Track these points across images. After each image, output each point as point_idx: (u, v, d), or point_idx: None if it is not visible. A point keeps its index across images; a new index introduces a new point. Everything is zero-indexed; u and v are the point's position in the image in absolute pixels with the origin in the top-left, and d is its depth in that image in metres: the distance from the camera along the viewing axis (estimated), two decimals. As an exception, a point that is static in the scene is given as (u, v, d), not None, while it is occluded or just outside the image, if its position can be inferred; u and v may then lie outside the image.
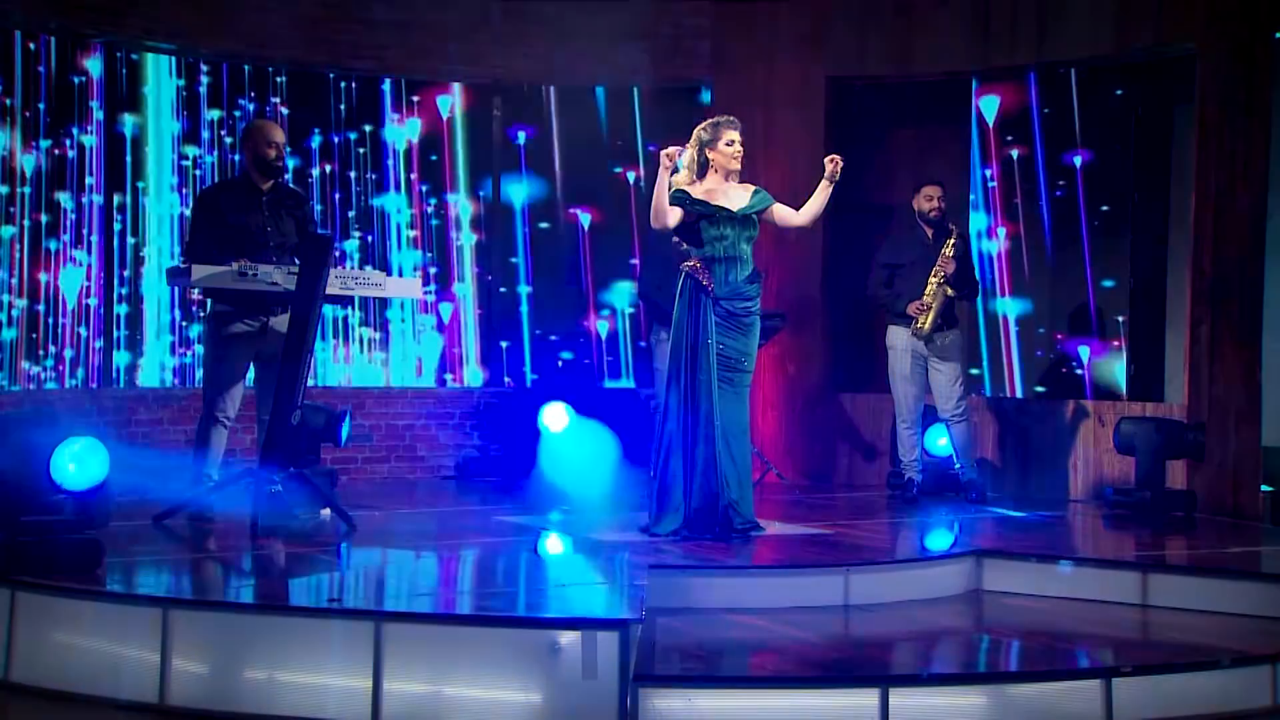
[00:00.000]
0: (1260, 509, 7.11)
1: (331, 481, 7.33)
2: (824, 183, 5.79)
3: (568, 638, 3.85)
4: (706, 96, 8.78)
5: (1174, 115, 7.94)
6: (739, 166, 5.82)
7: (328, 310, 7.70)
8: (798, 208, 5.89)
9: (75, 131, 7.68)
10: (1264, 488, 7.18)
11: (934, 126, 8.78)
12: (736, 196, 5.80)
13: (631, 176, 8.98)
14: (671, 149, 5.63)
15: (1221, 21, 7.32)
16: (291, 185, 6.65)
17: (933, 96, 8.68)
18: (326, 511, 6.07)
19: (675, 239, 5.92)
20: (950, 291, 7.29)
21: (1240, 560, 5.75)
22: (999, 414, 8.08)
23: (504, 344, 8.95)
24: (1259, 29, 7.23)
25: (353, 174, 8.67)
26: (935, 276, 7.26)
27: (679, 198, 5.70)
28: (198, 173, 8.19)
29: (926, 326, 7.28)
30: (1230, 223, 7.26)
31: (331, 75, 8.59)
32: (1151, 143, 7.96)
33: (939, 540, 6.22)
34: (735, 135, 5.81)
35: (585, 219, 9.04)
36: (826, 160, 5.75)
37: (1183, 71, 7.61)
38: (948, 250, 7.28)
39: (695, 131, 5.86)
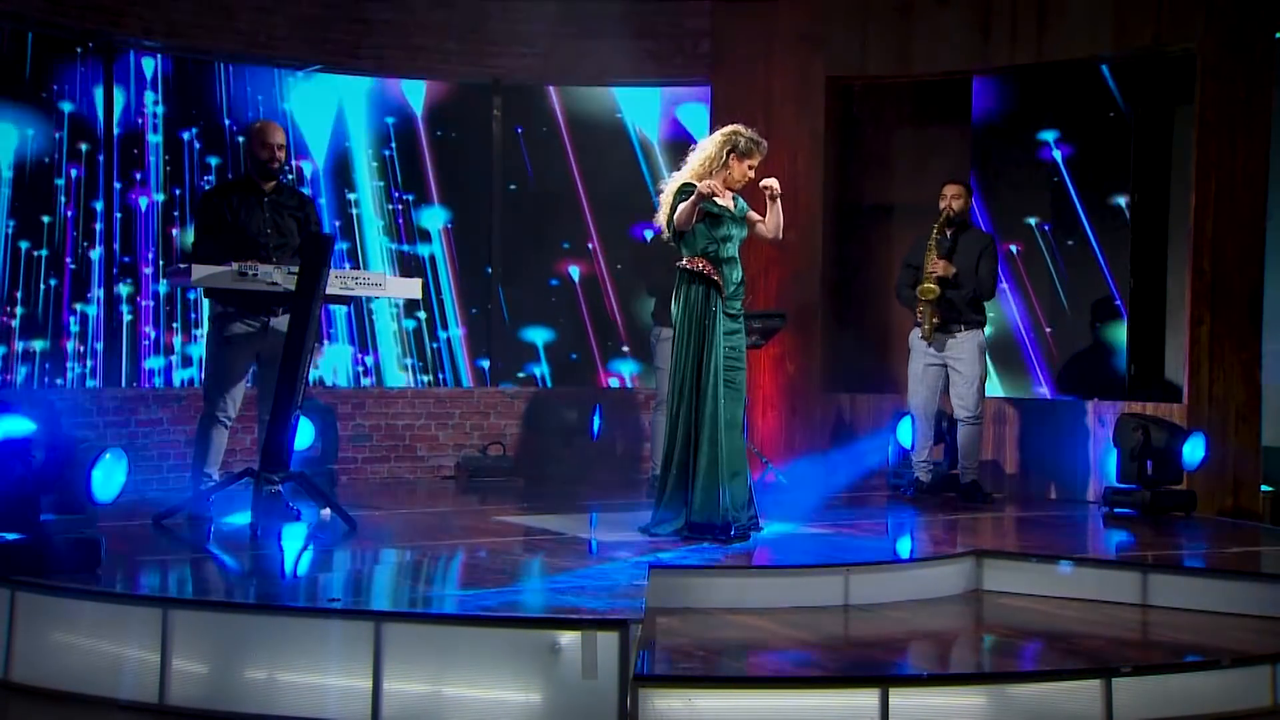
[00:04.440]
0: (1260, 509, 7.12)
1: (331, 481, 7.34)
2: (769, 203, 5.77)
3: (568, 638, 3.84)
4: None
5: (1174, 115, 7.94)
6: (740, 187, 5.81)
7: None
8: (791, 209, 5.89)
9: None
10: (1264, 488, 7.19)
11: (934, 126, 8.79)
12: (730, 198, 5.80)
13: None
14: (714, 185, 5.59)
15: (1221, 21, 7.33)
16: (295, 186, 6.64)
17: (933, 96, 8.69)
18: (326, 511, 6.07)
19: (671, 240, 5.90)
20: (935, 290, 7.25)
21: (1240, 560, 5.75)
22: (999, 414, 8.08)
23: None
24: (1259, 29, 7.24)
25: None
26: (928, 278, 7.27)
27: (688, 190, 5.67)
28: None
29: (927, 327, 7.28)
30: (1230, 223, 7.27)
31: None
32: (1151, 143, 7.96)
33: (939, 540, 6.21)
34: (758, 161, 5.79)
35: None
36: (762, 187, 5.70)
37: (1183, 71, 7.62)
38: (932, 249, 7.28)
39: (731, 133, 5.75)
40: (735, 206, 5.81)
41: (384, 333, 8.75)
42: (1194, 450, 6.91)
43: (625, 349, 9.05)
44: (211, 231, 6.10)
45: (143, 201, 7.97)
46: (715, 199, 5.68)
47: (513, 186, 8.99)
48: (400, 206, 8.82)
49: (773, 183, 5.71)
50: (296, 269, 5.73)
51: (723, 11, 8.80)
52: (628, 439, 8.91)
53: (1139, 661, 4.20)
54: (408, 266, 8.78)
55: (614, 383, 9.09)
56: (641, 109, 9.11)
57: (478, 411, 8.84)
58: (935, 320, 7.29)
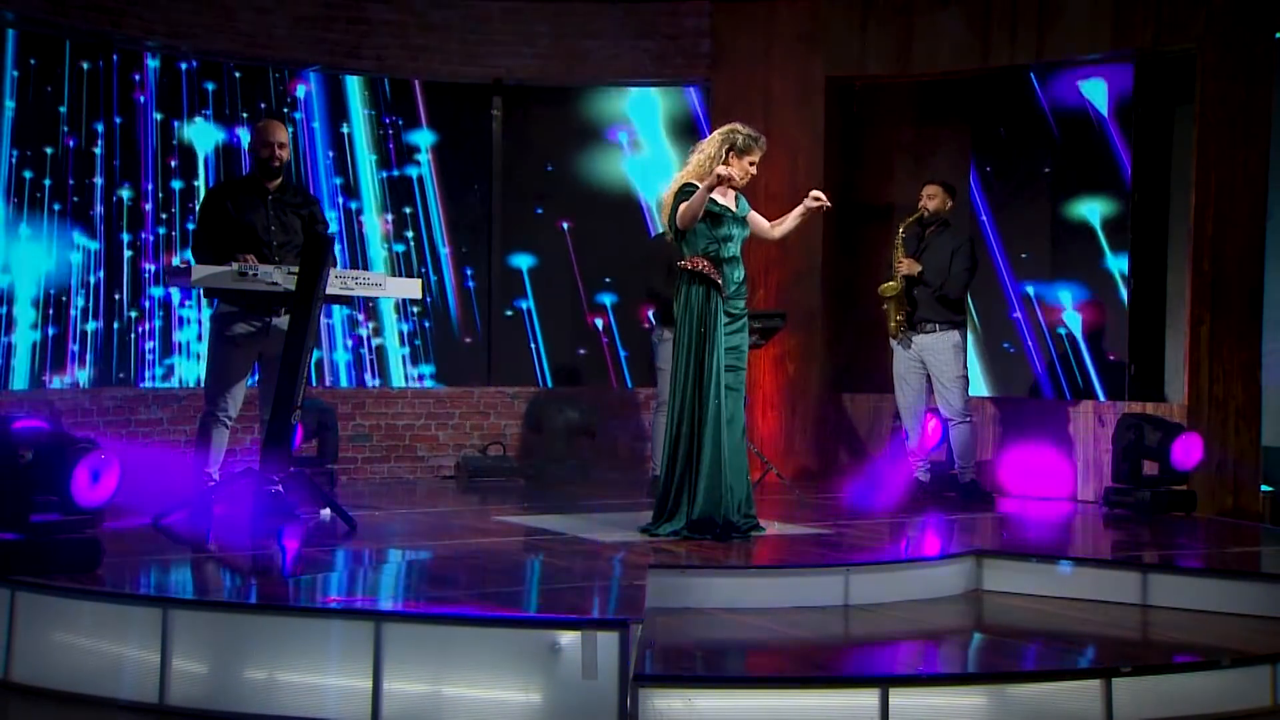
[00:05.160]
0: (1260, 509, 7.12)
1: (331, 481, 7.34)
2: (803, 211, 5.76)
3: (568, 638, 3.85)
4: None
5: (1174, 115, 7.94)
6: (742, 185, 5.81)
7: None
8: (790, 210, 5.90)
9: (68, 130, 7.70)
10: (1264, 488, 7.19)
11: (934, 126, 8.79)
12: (731, 198, 5.80)
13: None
14: (731, 171, 5.58)
15: (1221, 21, 7.33)
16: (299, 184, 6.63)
17: (933, 96, 8.69)
18: (326, 511, 6.07)
19: (671, 238, 5.90)
20: (895, 287, 7.25)
21: (1240, 560, 5.75)
22: (999, 414, 8.08)
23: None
24: (1259, 29, 7.24)
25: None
26: (894, 276, 7.28)
27: (689, 190, 5.67)
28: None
29: (892, 325, 7.29)
30: (1230, 223, 7.27)
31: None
32: (1151, 143, 7.96)
33: (939, 540, 6.22)
34: (758, 157, 5.79)
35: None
36: (811, 197, 5.70)
37: (1183, 71, 7.62)
38: (898, 247, 7.29)
39: (728, 131, 5.75)
40: (737, 206, 5.81)
41: (375, 262, 8.75)
42: (1189, 450, 6.90)
43: (608, 280, 9.08)
44: (213, 229, 6.10)
45: (141, 99, 7.98)
46: (716, 198, 5.68)
47: (495, 112, 9.00)
48: (392, 131, 8.86)
49: (821, 196, 5.70)
50: (297, 269, 5.73)
51: (723, 11, 8.80)
52: (628, 439, 8.91)
53: (1139, 661, 4.20)
54: (398, 193, 8.84)
55: (599, 322, 9.10)
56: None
57: (478, 411, 8.85)
58: (899, 318, 7.29)
